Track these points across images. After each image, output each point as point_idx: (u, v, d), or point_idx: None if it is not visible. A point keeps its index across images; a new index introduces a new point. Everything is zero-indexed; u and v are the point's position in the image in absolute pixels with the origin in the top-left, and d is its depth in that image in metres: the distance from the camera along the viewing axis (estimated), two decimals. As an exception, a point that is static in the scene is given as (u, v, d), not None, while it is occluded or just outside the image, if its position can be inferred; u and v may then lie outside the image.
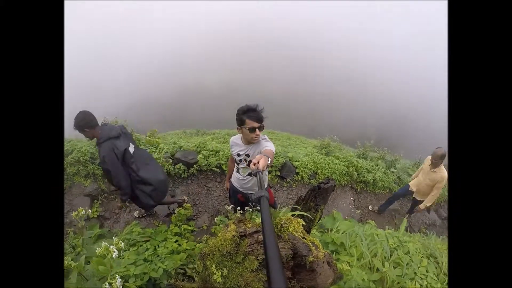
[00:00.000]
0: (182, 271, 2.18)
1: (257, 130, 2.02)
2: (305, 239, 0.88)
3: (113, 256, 1.00)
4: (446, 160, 3.77)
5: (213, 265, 0.89)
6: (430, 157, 3.82)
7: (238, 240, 0.89)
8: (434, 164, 3.73)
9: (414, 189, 4.22)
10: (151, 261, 2.25)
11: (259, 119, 2.01)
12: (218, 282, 0.84)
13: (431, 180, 3.84)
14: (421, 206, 4.04)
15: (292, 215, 1.29)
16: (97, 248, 1.01)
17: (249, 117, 2.01)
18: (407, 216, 4.51)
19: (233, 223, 0.98)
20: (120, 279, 0.98)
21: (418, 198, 4.17)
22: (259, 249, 0.85)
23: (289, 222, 0.92)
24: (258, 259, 0.83)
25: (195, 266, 2.19)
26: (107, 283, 0.94)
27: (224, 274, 0.86)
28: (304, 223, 0.98)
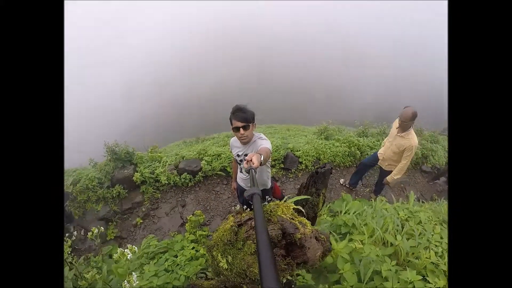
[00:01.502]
0: (202, 275, 2.24)
1: (241, 129, 2.03)
2: (293, 219, 0.94)
3: (128, 257, 1.08)
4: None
5: (219, 254, 0.97)
6: (398, 119, 3.23)
7: (236, 229, 0.97)
8: (402, 126, 3.16)
9: (380, 158, 3.67)
10: (172, 270, 2.32)
11: (244, 119, 2.02)
12: (225, 268, 0.93)
13: (397, 146, 3.28)
14: (388, 178, 3.52)
15: (296, 202, 1.35)
16: (114, 255, 1.09)
17: (235, 117, 2.04)
18: (373, 194, 3.97)
19: (232, 215, 1.06)
20: (136, 275, 1.06)
21: (384, 168, 3.65)
22: (254, 234, 0.93)
23: (277, 207, 1.00)
24: (254, 243, 0.91)
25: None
26: (126, 282, 1.02)
27: (229, 261, 0.94)
28: (297, 206, 1.05)
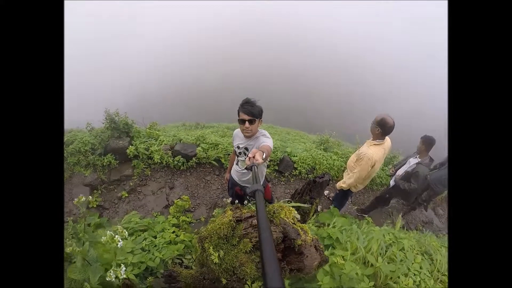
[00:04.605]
0: (179, 261, 2.21)
1: (246, 123, 2.03)
2: (295, 224, 0.92)
3: (118, 245, 1.03)
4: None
5: (211, 247, 0.94)
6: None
7: (234, 224, 0.94)
8: (371, 132, 2.78)
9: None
10: (149, 250, 2.28)
11: (251, 113, 2.02)
12: (215, 263, 0.89)
13: (359, 151, 2.88)
14: (338, 183, 3.15)
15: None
16: (103, 237, 1.03)
17: (242, 110, 2.04)
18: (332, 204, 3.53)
19: (230, 209, 1.02)
20: (125, 269, 1.01)
21: (343, 177, 3.22)
22: (253, 232, 0.90)
23: (281, 209, 0.97)
24: (251, 242, 0.88)
25: (193, 256, 2.23)
26: (111, 272, 0.97)
27: (220, 256, 0.90)
28: (296, 212, 1.02)
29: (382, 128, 2.66)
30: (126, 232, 1.06)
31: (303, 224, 0.95)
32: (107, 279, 0.99)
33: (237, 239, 0.93)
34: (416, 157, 3.55)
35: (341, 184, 3.10)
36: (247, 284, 0.90)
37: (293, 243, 0.86)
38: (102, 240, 1.03)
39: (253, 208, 1.06)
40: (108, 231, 1.05)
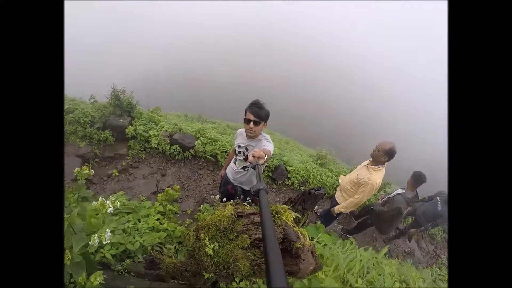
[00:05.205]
0: (159, 249, 2.18)
1: (251, 123, 2.05)
2: (295, 227, 0.91)
3: (108, 211, 1.02)
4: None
5: (207, 238, 0.92)
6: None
7: (235, 218, 0.93)
8: (374, 157, 2.76)
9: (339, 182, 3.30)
10: (130, 233, 2.25)
11: (257, 114, 2.04)
12: (208, 255, 0.88)
13: (358, 176, 2.84)
14: (335, 208, 3.10)
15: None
16: (93, 202, 1.02)
17: (250, 110, 2.06)
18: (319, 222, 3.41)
19: (231, 204, 1.01)
20: (110, 233, 0.99)
21: (336, 198, 3.24)
22: (253, 229, 0.89)
23: (283, 210, 0.96)
24: (250, 238, 0.87)
25: (175, 246, 2.20)
26: (96, 236, 0.95)
27: (215, 248, 0.89)
28: (295, 216, 1.02)
29: (389, 157, 2.68)
30: (118, 203, 1.04)
31: (302, 229, 0.95)
32: (90, 243, 0.97)
33: (236, 234, 0.92)
34: (403, 188, 3.59)
35: (341, 209, 3.04)
36: (235, 281, 0.89)
37: (291, 245, 0.85)
38: (92, 204, 1.01)
39: (247, 206, 1.05)
40: (100, 197, 1.04)
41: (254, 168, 1.19)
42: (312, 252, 0.88)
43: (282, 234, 0.86)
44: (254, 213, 0.94)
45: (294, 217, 1.01)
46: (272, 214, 0.95)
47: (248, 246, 0.87)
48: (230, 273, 0.86)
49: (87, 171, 1.18)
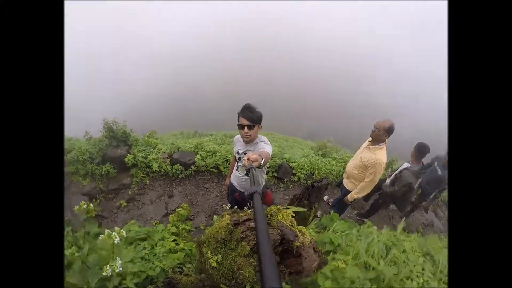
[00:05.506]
0: (179, 269, 2.18)
1: (245, 128, 2.05)
2: (292, 226, 0.92)
3: (115, 241, 1.03)
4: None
5: (209, 252, 0.93)
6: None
7: (232, 227, 0.94)
8: (374, 137, 2.77)
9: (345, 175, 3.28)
10: (149, 259, 2.26)
11: (250, 118, 2.04)
12: (214, 267, 0.89)
13: (362, 160, 2.86)
14: (348, 197, 3.09)
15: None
16: (100, 235, 1.03)
17: (242, 114, 2.06)
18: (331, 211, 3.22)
19: (228, 214, 1.02)
20: (120, 261, 1.01)
21: (345, 186, 3.22)
22: (251, 235, 0.90)
23: (278, 211, 0.97)
24: (249, 245, 0.88)
25: (192, 264, 2.21)
26: (108, 266, 0.97)
27: (218, 260, 0.90)
28: (294, 215, 1.03)
29: (389, 134, 2.70)
30: (124, 232, 1.06)
31: (301, 227, 0.96)
32: (104, 274, 0.98)
33: (235, 242, 0.93)
34: (408, 162, 3.56)
35: (354, 195, 3.02)
36: None
37: (291, 245, 0.86)
38: (100, 237, 1.03)
39: (250, 212, 1.06)
40: (106, 230, 1.06)
41: (248, 171, 1.21)
42: (314, 249, 0.89)
43: (279, 236, 0.87)
44: (248, 219, 0.95)
45: (293, 216, 1.02)
46: (267, 216, 0.96)
47: (249, 253, 0.88)
48: (239, 282, 0.87)
49: (85, 206, 1.19)
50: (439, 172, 3.83)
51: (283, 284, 1.30)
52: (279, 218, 0.94)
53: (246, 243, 0.90)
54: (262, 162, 1.54)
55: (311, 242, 0.90)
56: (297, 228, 0.93)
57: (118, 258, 1.03)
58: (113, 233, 1.04)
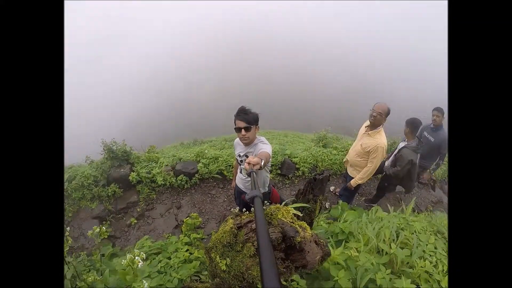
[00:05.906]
0: (196, 277, 2.22)
1: (242, 130, 2.08)
2: (293, 223, 0.95)
3: (139, 266, 1.07)
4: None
5: (217, 256, 0.97)
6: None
7: (236, 231, 0.97)
8: (373, 121, 2.80)
9: (345, 159, 3.33)
10: (165, 272, 2.29)
11: (246, 120, 2.07)
12: (224, 270, 0.92)
13: (363, 146, 2.91)
14: (352, 182, 3.12)
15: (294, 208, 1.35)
16: (123, 261, 1.07)
17: (237, 118, 2.10)
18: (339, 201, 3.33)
19: (231, 218, 1.06)
20: (147, 284, 1.05)
21: (350, 174, 3.25)
22: (254, 236, 0.93)
23: (277, 210, 1.00)
24: (254, 245, 0.91)
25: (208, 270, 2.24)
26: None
27: (227, 263, 0.93)
28: (301, 211, 1.05)
29: (387, 116, 2.77)
30: (144, 254, 1.10)
31: (302, 222, 0.99)
32: None
33: (240, 244, 0.96)
34: (404, 141, 3.54)
35: (358, 181, 3.06)
36: (258, 287, 0.93)
37: (293, 241, 0.89)
38: (122, 263, 1.06)
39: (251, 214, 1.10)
40: (128, 254, 1.09)
41: (249, 175, 1.24)
42: (316, 242, 0.92)
43: (281, 233, 0.90)
44: (250, 221, 0.99)
45: (295, 212, 1.05)
46: (268, 216, 0.99)
47: (254, 253, 0.91)
48: (250, 281, 0.90)
49: (98, 229, 1.23)
50: (432, 139, 3.81)
51: (295, 276, 1.32)
52: (279, 216, 0.98)
53: (251, 244, 0.93)
54: (263, 163, 1.57)
55: (312, 236, 0.93)
56: (297, 224, 0.96)
57: (144, 281, 1.07)
58: (136, 257, 1.08)
